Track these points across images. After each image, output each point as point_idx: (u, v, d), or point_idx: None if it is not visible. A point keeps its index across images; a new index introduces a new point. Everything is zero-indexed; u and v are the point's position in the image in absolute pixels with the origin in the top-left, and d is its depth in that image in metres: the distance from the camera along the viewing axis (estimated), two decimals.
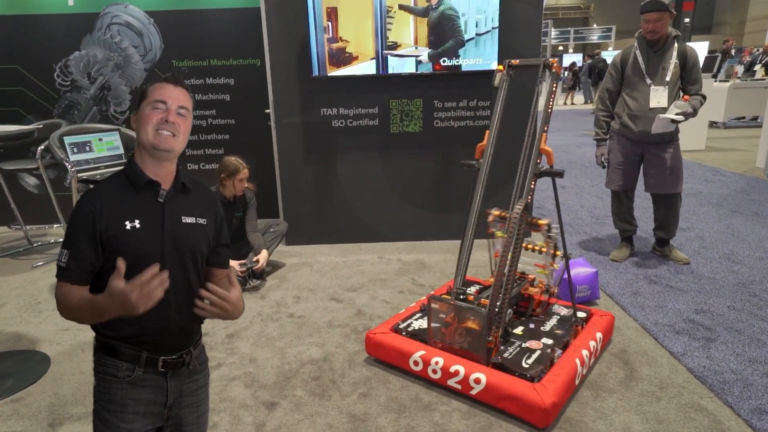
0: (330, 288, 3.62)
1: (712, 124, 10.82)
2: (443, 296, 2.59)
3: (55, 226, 4.97)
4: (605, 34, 21.67)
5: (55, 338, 2.97)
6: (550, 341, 2.57)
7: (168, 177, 1.39)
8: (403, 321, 2.80)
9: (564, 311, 2.92)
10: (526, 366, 2.34)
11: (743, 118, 11.80)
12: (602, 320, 2.81)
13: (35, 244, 4.60)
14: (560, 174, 2.51)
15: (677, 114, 3.46)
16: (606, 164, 3.93)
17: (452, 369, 2.36)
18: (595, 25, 30.00)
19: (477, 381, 2.28)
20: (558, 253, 2.76)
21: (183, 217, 1.39)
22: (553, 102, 2.67)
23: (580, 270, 3.27)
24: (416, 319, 2.82)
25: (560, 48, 28.05)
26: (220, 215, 1.52)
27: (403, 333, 2.68)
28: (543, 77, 2.86)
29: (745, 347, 2.73)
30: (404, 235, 4.52)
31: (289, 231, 4.48)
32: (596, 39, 23.29)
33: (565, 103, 19.56)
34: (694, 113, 3.52)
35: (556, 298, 3.02)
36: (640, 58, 3.64)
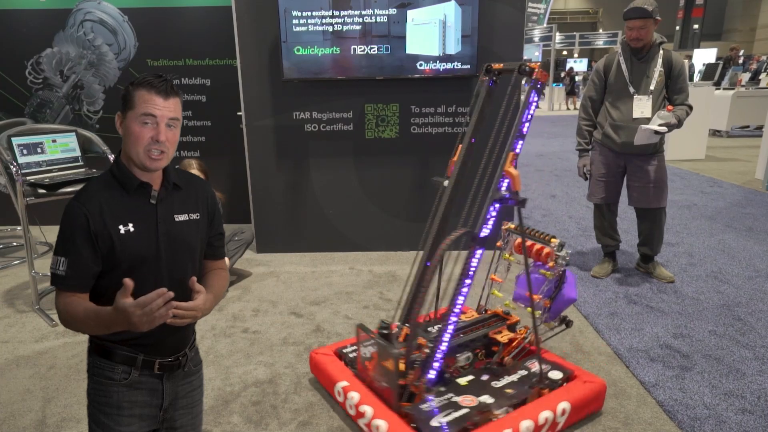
0: (292, 301, 3.45)
1: (714, 133, 10.58)
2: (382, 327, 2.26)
3: (18, 228, 4.82)
4: (611, 39, 21.36)
5: None
6: (490, 400, 2.10)
7: (157, 177, 1.37)
8: (353, 345, 2.56)
9: (542, 368, 2.30)
10: (434, 425, 1.95)
11: (747, 126, 11.54)
12: (582, 387, 2.20)
13: None
14: (521, 203, 2.09)
15: (661, 125, 3.27)
16: (588, 176, 3.75)
17: (361, 409, 2.12)
18: (600, 30, 29.69)
19: (377, 429, 2.01)
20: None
21: (176, 216, 1.38)
22: (530, 115, 2.25)
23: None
24: (365, 346, 2.42)
25: (564, 53, 27.76)
26: (212, 203, 1.49)
27: (344, 359, 2.47)
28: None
29: (722, 378, 2.54)
30: (378, 245, 4.34)
31: (260, 239, 4.33)
32: (602, 44, 22.98)
33: (568, 108, 19.36)
34: (679, 124, 3.33)
35: (541, 349, 2.41)
36: (623, 66, 3.45)
